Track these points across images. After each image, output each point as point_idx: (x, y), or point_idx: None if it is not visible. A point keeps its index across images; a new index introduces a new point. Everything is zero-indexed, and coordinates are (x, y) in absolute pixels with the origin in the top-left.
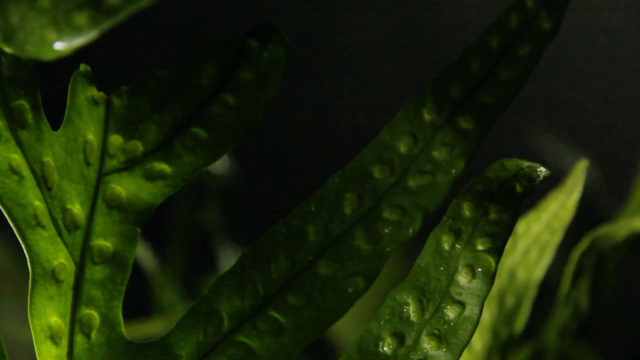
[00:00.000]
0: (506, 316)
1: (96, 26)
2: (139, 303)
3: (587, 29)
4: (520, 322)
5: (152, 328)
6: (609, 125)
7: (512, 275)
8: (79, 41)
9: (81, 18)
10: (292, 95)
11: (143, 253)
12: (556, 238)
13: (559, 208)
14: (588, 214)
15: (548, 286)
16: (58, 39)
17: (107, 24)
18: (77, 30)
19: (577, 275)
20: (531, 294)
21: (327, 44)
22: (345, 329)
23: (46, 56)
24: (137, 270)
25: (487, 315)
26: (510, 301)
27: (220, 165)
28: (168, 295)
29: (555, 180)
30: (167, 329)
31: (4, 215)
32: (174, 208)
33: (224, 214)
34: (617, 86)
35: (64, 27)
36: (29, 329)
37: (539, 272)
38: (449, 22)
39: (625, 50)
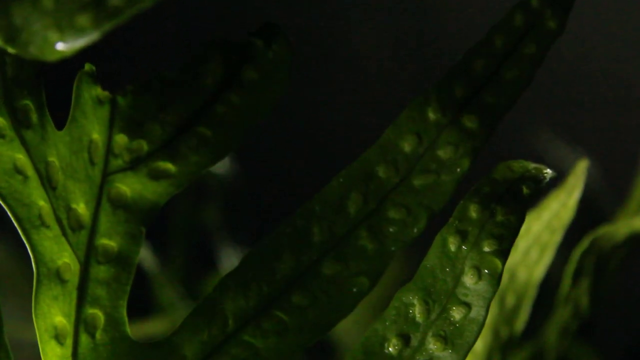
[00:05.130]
0: (506, 316)
1: (99, 27)
2: (139, 303)
3: (587, 29)
4: (520, 322)
5: (152, 328)
6: (609, 125)
7: (512, 275)
8: (81, 42)
9: (84, 19)
10: (293, 95)
11: (143, 253)
12: (556, 238)
13: (559, 208)
14: (588, 214)
15: (548, 286)
16: (61, 40)
17: (109, 25)
18: (80, 31)
19: (577, 275)
20: (531, 294)
21: (330, 44)
22: (348, 328)
23: (49, 57)
24: (138, 270)
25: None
26: (510, 301)
27: (221, 165)
28: (168, 295)
29: (556, 180)
30: (167, 328)
31: (6, 215)
32: (174, 208)
33: (224, 214)
34: (617, 86)
35: (67, 29)
36: (33, 328)
37: (539, 272)
38: (453, 22)
39: (625, 50)
